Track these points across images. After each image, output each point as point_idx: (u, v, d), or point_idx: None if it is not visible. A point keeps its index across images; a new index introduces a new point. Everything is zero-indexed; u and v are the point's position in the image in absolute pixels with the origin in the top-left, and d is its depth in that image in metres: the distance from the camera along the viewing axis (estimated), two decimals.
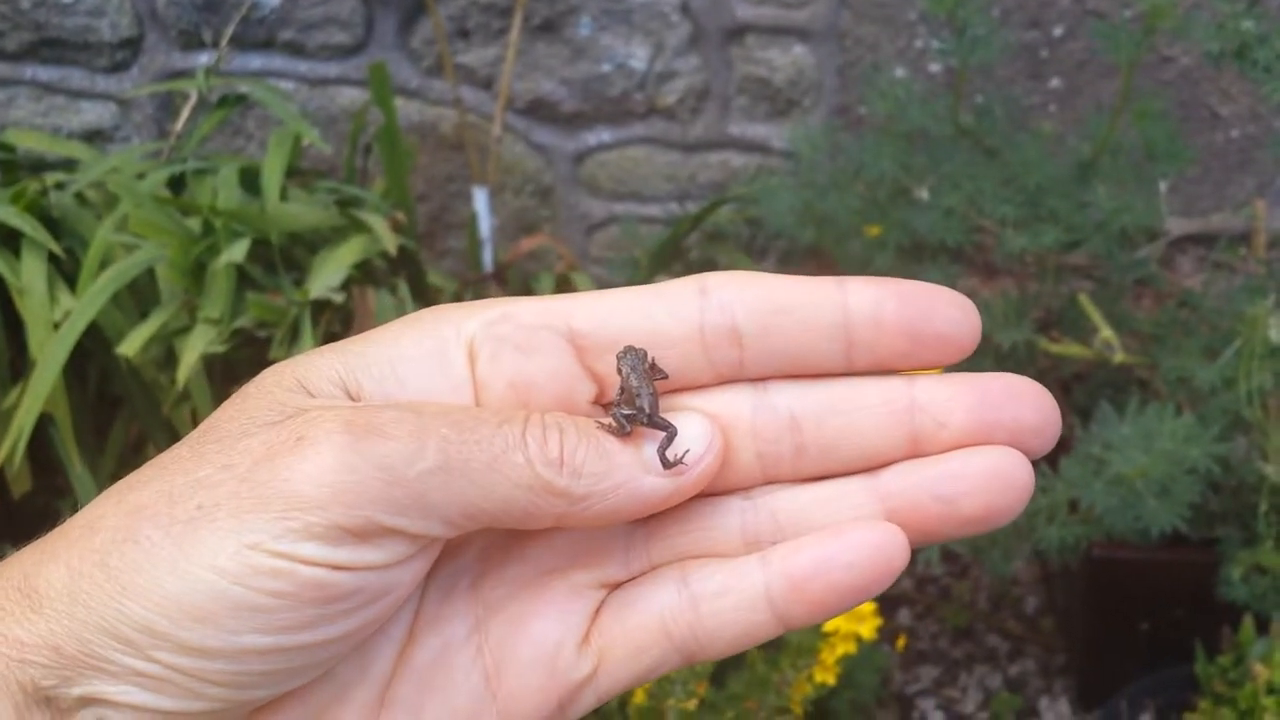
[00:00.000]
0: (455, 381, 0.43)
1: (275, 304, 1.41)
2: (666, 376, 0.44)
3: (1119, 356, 1.63)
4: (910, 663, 2.23)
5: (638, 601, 0.45)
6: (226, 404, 0.43)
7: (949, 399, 0.43)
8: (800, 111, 2.09)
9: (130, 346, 1.43)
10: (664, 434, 0.43)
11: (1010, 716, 2.14)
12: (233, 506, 0.39)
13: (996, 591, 2.27)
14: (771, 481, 0.45)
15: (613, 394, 0.44)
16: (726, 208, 2.03)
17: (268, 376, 0.43)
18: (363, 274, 1.59)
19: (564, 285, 1.99)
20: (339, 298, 1.43)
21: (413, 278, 1.68)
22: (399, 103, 2.09)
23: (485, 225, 2.03)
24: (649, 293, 0.44)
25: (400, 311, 1.53)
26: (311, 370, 0.43)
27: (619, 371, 0.44)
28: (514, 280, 2.04)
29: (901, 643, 1.41)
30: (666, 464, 0.43)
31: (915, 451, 0.43)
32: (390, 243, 1.51)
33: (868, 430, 0.44)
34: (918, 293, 0.42)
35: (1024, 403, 0.43)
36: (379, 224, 1.55)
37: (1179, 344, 1.67)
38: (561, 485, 0.41)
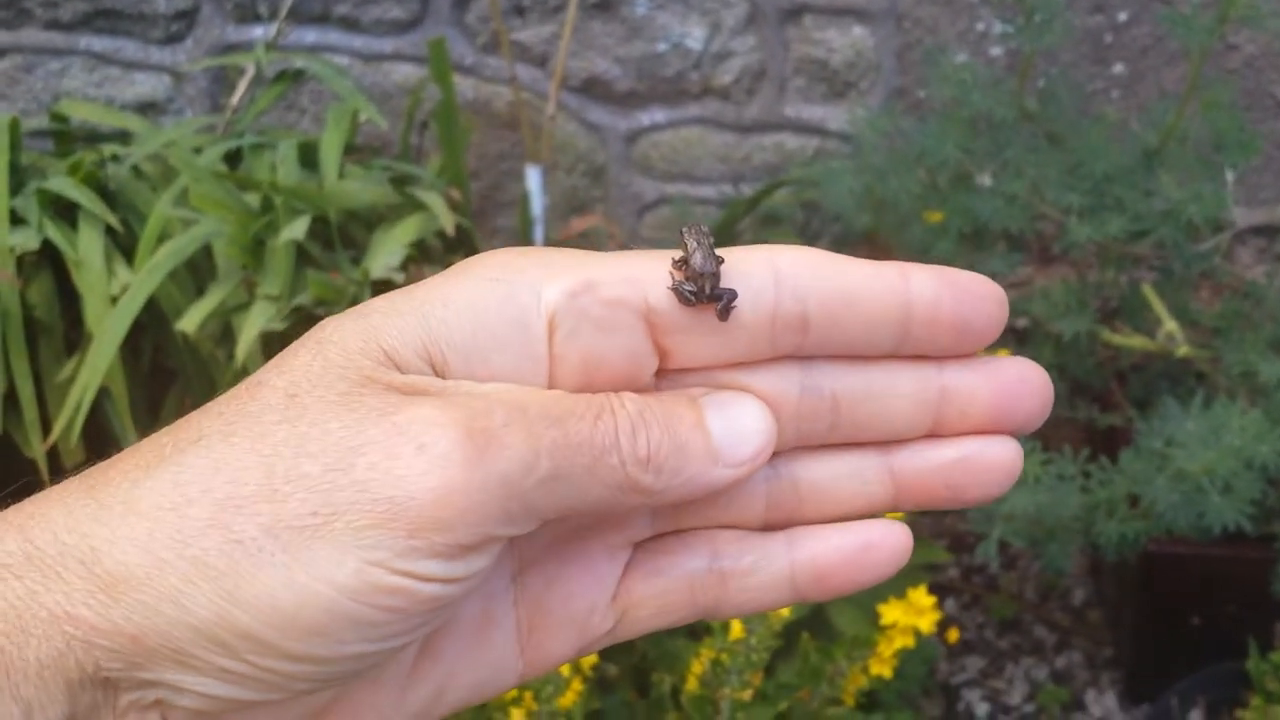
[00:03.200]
0: (535, 358, 0.43)
1: (335, 282, 1.40)
2: (723, 260, 0.44)
3: (1183, 350, 1.60)
4: (956, 653, 2.21)
5: (668, 568, 0.47)
6: (302, 362, 0.41)
7: (974, 391, 0.45)
8: (857, 94, 2.06)
9: (189, 323, 1.43)
10: (724, 302, 0.44)
11: (1057, 709, 2.12)
12: (351, 518, 0.38)
13: (1044, 582, 2.25)
14: (800, 448, 0.47)
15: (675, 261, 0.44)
16: (782, 191, 2.01)
17: (350, 340, 0.41)
18: (419, 253, 1.58)
19: None
20: (399, 277, 1.42)
21: (470, 254, 1.67)
22: (454, 79, 2.08)
23: (537, 204, 2.02)
24: (724, 274, 0.44)
25: None
26: (395, 338, 0.41)
27: (683, 245, 0.44)
28: None
29: (955, 636, 1.39)
30: (725, 316, 0.43)
31: (933, 433, 0.46)
32: (448, 222, 1.50)
33: (897, 415, 0.45)
34: (968, 288, 0.44)
35: (1033, 394, 0.45)
36: (436, 203, 1.53)
37: (1242, 337, 1.64)
38: (646, 483, 0.42)
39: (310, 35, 2.08)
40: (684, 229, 0.45)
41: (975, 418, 0.45)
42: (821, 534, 0.46)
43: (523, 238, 2.02)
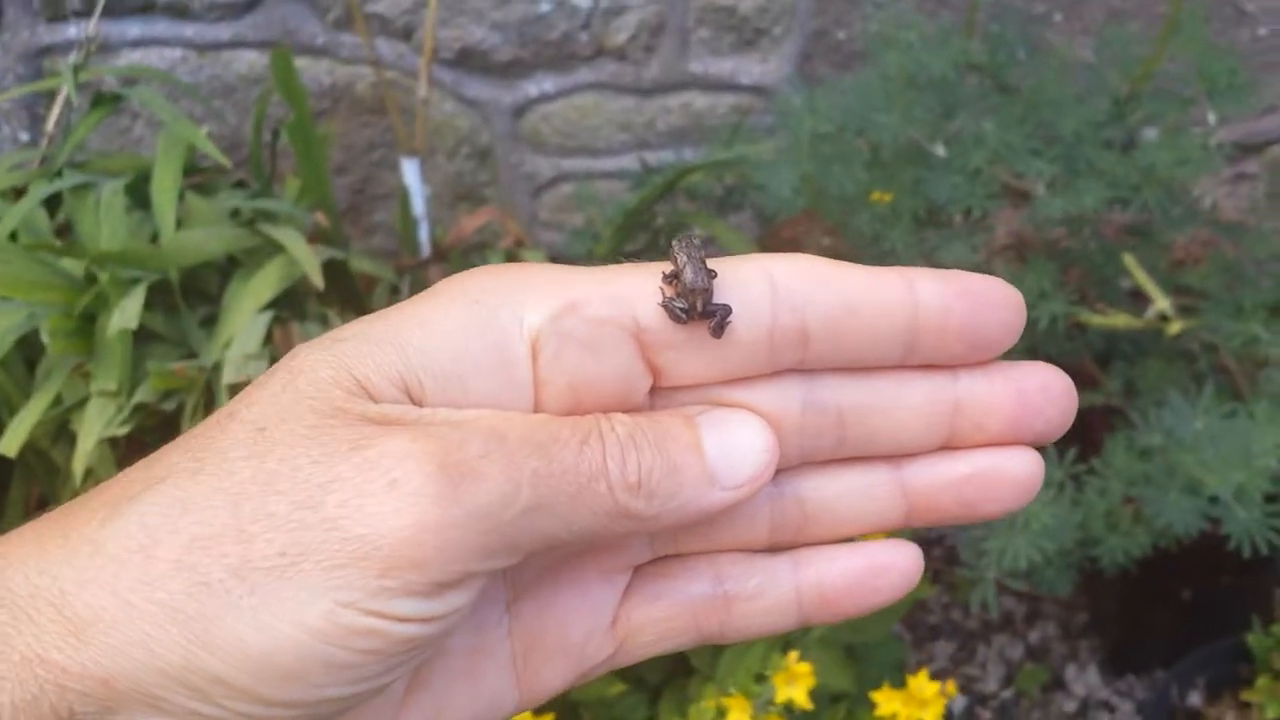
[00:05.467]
0: (517, 383, 0.41)
1: (183, 373, 1.14)
2: (716, 274, 0.42)
3: (1175, 327, 1.41)
4: (922, 639, 2.05)
5: (669, 593, 0.45)
6: (272, 393, 0.39)
7: (990, 404, 0.43)
8: (770, 41, 1.81)
9: (9, 445, 1.16)
10: (717, 318, 0.42)
11: (1037, 691, 1.97)
12: (321, 558, 0.36)
13: None
14: (804, 465, 0.45)
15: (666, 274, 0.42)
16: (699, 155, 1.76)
17: (321, 369, 0.39)
18: (289, 301, 1.33)
19: (514, 261, 1.72)
20: (260, 367, 1.15)
21: (346, 293, 1.42)
22: (304, 63, 1.79)
23: (419, 201, 1.75)
24: (717, 288, 0.42)
25: None
26: (369, 367, 0.39)
27: (674, 260, 0.42)
28: (456, 261, 1.77)
29: (953, 690, 1.20)
30: (719, 333, 0.42)
31: (947, 446, 0.44)
32: (313, 268, 1.25)
33: (907, 428, 0.43)
34: (980, 296, 0.41)
35: (1055, 404, 0.43)
36: (297, 245, 1.27)
37: (1237, 303, 1.44)
38: (636, 509, 0.40)
39: (134, 28, 1.77)
40: (674, 241, 0.43)
41: (992, 429, 0.43)
42: (829, 555, 0.45)
43: (406, 240, 1.76)
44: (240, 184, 1.59)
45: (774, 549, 0.45)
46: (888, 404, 0.43)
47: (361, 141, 1.87)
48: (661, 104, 1.86)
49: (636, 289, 0.41)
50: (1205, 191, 1.55)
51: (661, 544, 0.46)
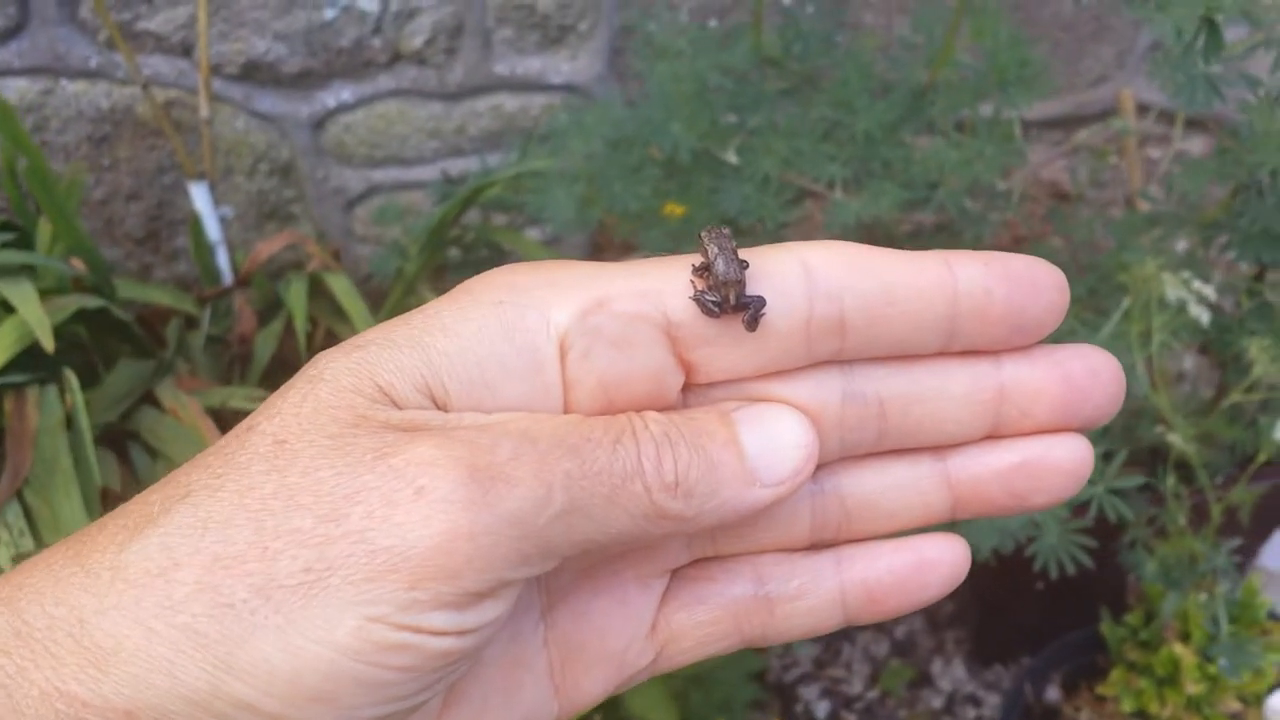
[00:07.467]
0: (546, 384, 0.39)
1: None
2: (748, 265, 0.41)
3: None
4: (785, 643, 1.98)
5: (710, 597, 0.44)
6: (292, 403, 0.37)
7: (1036, 389, 0.42)
8: (577, 37, 1.72)
9: None
10: (750, 309, 0.40)
11: (903, 689, 1.91)
12: (349, 572, 0.35)
13: None
14: (845, 459, 0.44)
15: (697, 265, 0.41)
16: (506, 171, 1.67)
17: (342, 377, 0.37)
18: (36, 360, 1.23)
19: (317, 285, 1.63)
20: None
21: (124, 339, 1.32)
22: (80, 87, 1.68)
23: (213, 226, 1.64)
24: (750, 278, 0.41)
25: (73, 426, 1.17)
26: (392, 373, 0.38)
27: (704, 251, 0.41)
28: (262, 285, 1.67)
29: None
30: (753, 325, 0.40)
31: (992, 435, 0.43)
32: (45, 333, 1.15)
33: (951, 418, 0.42)
34: (1021, 278, 0.40)
35: (1104, 388, 0.41)
36: (29, 306, 1.17)
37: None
38: (674, 509, 0.39)
39: None
40: (703, 233, 0.42)
41: (1039, 416, 0.42)
42: (873, 552, 0.44)
43: (203, 270, 1.65)
44: (6, 226, 1.48)
45: (815, 547, 0.44)
46: (930, 393, 0.42)
47: (151, 165, 1.75)
48: (470, 108, 1.76)
49: (666, 283, 0.40)
50: (1036, 164, 1.48)
51: (699, 546, 0.45)
